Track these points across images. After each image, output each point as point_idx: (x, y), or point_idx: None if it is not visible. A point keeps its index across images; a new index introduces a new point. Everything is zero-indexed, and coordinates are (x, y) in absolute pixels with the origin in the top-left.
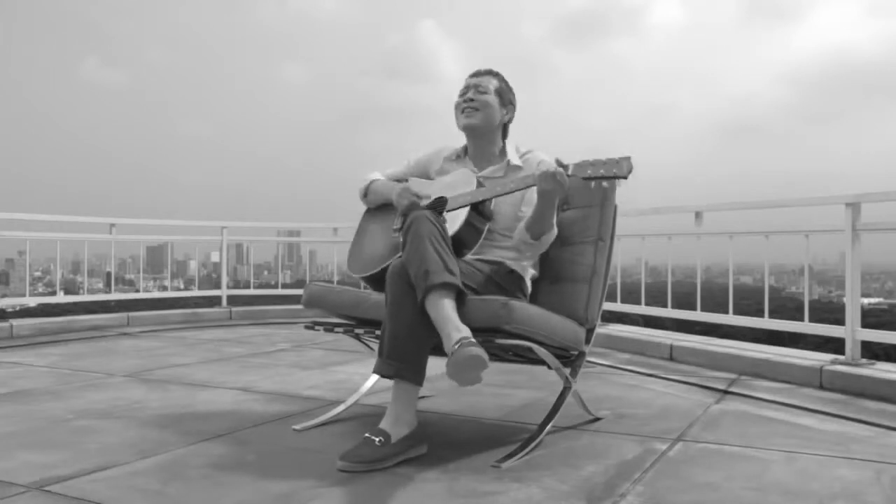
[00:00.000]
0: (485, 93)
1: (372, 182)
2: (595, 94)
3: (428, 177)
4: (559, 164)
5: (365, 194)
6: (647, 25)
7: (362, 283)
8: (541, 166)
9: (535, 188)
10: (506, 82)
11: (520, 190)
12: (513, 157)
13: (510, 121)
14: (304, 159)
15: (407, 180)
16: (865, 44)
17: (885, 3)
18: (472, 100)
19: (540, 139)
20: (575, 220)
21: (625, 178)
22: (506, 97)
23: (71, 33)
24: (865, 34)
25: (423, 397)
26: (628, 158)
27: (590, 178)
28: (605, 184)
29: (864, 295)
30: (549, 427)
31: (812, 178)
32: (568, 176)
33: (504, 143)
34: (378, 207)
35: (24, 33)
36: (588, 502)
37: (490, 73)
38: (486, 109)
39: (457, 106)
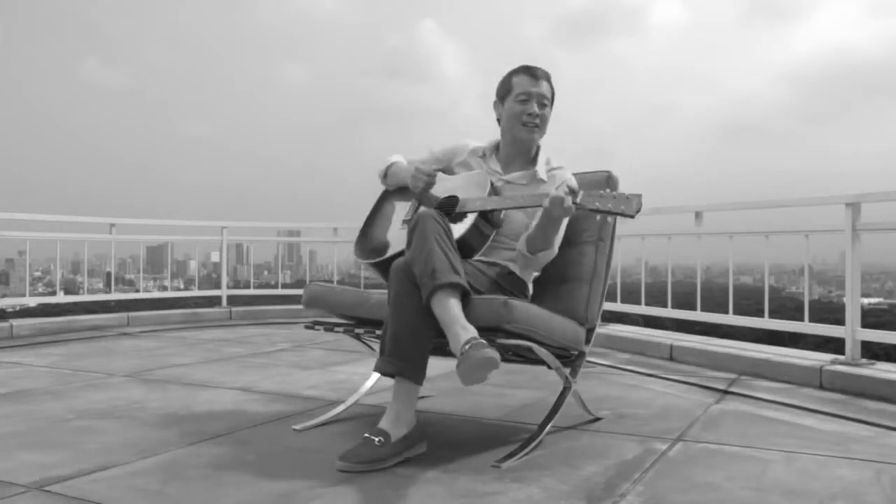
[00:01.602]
0: (546, 106)
1: (392, 164)
2: (595, 94)
3: (450, 169)
4: (571, 190)
5: (385, 175)
6: (647, 25)
7: (363, 282)
8: (556, 188)
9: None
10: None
11: (529, 207)
12: (541, 169)
13: None
14: (304, 159)
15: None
16: (865, 44)
17: (885, 3)
18: (538, 116)
19: (540, 141)
20: (575, 221)
21: (632, 216)
22: (554, 104)
23: (71, 33)
24: (865, 34)
25: (423, 397)
26: (639, 197)
27: (596, 211)
28: (609, 218)
29: (864, 295)
30: (549, 427)
31: (812, 178)
32: (575, 204)
33: (538, 148)
34: (394, 193)
35: (24, 33)
36: (588, 502)
37: (548, 78)
38: (545, 126)
39: (516, 115)
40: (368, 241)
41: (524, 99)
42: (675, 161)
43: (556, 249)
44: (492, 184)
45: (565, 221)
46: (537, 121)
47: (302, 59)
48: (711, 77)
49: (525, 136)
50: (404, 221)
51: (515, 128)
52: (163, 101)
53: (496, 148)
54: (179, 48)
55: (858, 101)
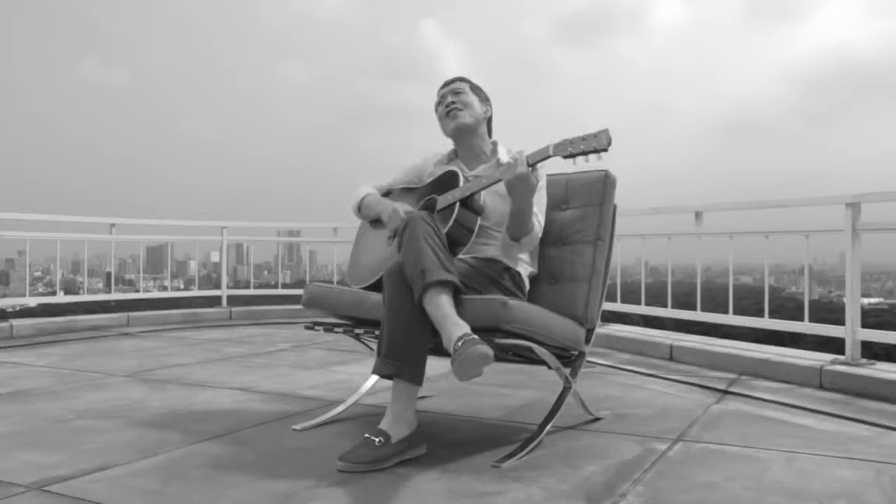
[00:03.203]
0: (462, 93)
1: (364, 198)
2: (596, 93)
3: (423, 183)
4: (521, 156)
5: (358, 209)
6: (648, 25)
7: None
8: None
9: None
10: (474, 83)
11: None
12: (503, 156)
13: (491, 116)
14: (304, 159)
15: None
16: (866, 44)
17: (885, 3)
18: (453, 102)
19: (540, 139)
20: (574, 220)
21: (605, 150)
22: (482, 94)
23: (71, 33)
24: (866, 34)
25: (422, 397)
26: (606, 130)
27: (571, 156)
28: (586, 160)
29: (864, 295)
30: (549, 427)
31: (812, 178)
32: (550, 156)
33: (493, 141)
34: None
35: (24, 33)
36: (588, 502)
37: (459, 78)
38: (470, 108)
39: (441, 116)
40: (358, 267)
41: (439, 101)
42: (675, 161)
43: (538, 232)
44: (464, 176)
45: (540, 197)
46: (454, 104)
47: (302, 59)
48: (712, 77)
49: (451, 122)
50: (390, 238)
51: (445, 124)
52: (163, 101)
53: (455, 153)
54: (180, 48)
55: (859, 101)
